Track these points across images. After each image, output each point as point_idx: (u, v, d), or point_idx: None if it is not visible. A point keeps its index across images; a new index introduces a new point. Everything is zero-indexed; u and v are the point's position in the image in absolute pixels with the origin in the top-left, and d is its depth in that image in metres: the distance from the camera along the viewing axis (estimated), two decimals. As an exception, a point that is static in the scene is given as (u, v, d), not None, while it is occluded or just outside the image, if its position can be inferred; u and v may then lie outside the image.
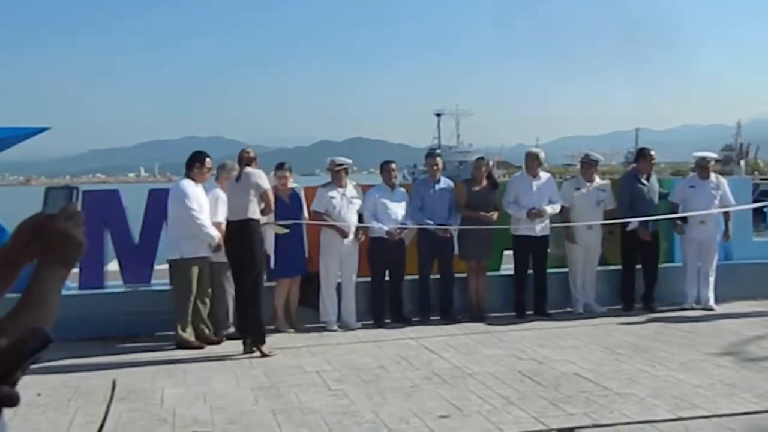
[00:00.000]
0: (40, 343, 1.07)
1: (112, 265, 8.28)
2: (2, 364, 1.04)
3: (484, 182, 8.59)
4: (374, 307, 8.33)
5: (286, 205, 7.94)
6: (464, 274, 8.58)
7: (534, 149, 9.14)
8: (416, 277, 8.46)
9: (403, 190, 8.57)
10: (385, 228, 8.14)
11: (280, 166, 8.20)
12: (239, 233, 6.94)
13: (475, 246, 8.41)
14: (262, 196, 7.02)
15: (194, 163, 7.39)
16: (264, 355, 6.86)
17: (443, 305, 8.42)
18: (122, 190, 8.73)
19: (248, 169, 7.10)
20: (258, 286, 7.02)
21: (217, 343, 7.39)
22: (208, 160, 7.44)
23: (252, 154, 7.33)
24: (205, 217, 7.25)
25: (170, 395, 5.74)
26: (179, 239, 7.29)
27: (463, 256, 8.54)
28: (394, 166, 8.63)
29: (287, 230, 7.77)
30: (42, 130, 7.83)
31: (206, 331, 7.45)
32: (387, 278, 8.37)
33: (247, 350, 6.91)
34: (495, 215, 8.45)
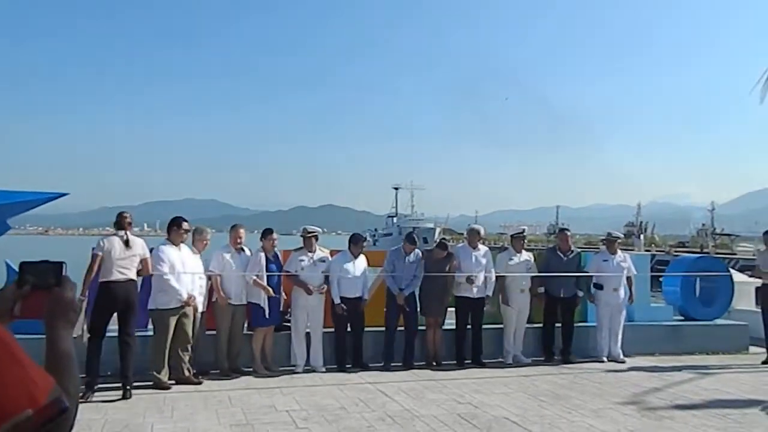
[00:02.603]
0: (59, 411, 1.11)
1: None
2: (28, 427, 1.05)
3: (441, 256, 8.56)
4: (337, 354, 8.19)
5: (270, 264, 7.91)
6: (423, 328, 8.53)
7: (476, 226, 9.23)
8: (378, 328, 8.34)
9: (363, 258, 8.40)
10: (338, 301, 8.03)
11: (269, 232, 8.13)
12: (125, 292, 6.74)
13: (433, 305, 8.42)
14: (142, 262, 6.97)
15: (172, 227, 7.37)
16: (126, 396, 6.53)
17: (406, 354, 8.32)
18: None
19: (134, 237, 6.98)
20: (133, 336, 6.84)
21: (198, 383, 7.14)
22: (184, 224, 7.39)
23: (129, 219, 7.08)
24: (177, 275, 7.09)
25: (159, 430, 5.52)
26: (155, 293, 7.15)
27: (423, 313, 8.51)
28: (365, 243, 8.59)
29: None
30: (60, 195, 7.64)
31: (186, 372, 7.18)
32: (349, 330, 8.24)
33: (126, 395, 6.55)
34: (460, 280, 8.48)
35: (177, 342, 7.13)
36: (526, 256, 8.98)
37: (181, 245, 7.33)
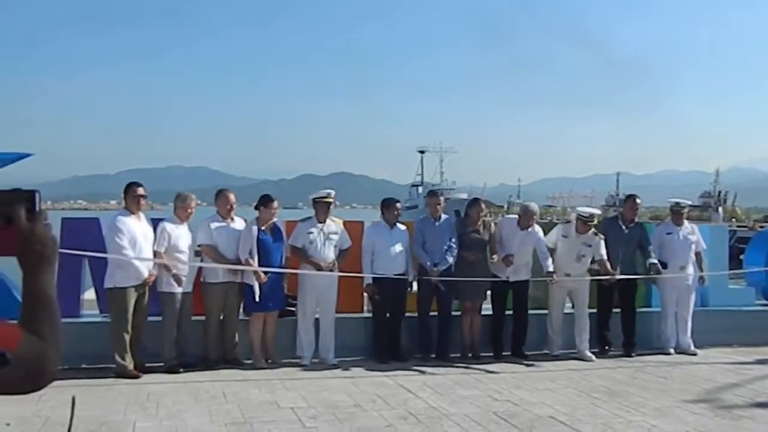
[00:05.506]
0: None
1: (89, 294, 8.19)
2: None
3: (480, 224, 8.57)
4: (376, 345, 8.29)
5: (268, 239, 7.93)
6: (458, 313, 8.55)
7: (531, 205, 8.89)
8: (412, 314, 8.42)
9: (403, 227, 8.43)
10: (369, 281, 8.11)
11: (269, 200, 8.05)
12: None
13: (470, 287, 8.34)
14: None
15: (126, 194, 7.55)
16: None
17: (441, 345, 8.37)
18: (103, 217, 8.67)
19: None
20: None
21: (136, 377, 7.24)
22: (139, 189, 7.53)
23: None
24: (139, 250, 7.32)
25: (141, 429, 5.65)
26: (113, 269, 7.33)
27: (458, 297, 8.50)
28: (399, 205, 8.49)
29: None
30: (23, 156, 7.76)
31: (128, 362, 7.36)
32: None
33: None
34: (495, 258, 8.38)
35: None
36: (586, 237, 8.57)
37: (140, 215, 7.55)
